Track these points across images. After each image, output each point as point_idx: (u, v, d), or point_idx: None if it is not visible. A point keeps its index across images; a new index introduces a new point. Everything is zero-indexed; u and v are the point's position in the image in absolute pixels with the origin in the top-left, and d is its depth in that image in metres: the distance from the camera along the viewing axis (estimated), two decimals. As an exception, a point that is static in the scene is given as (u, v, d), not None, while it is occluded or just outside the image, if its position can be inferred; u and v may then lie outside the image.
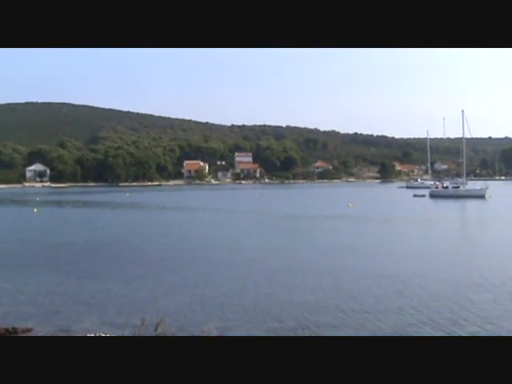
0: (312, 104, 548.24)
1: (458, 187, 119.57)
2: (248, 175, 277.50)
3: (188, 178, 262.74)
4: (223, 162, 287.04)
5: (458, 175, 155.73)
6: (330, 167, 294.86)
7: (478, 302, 21.98)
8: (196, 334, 16.21)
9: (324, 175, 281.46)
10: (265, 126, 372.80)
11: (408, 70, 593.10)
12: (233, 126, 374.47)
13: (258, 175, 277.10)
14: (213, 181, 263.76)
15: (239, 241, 43.82)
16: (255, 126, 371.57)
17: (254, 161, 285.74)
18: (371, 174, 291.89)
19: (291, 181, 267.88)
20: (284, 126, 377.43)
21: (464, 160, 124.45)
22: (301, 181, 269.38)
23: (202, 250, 38.62)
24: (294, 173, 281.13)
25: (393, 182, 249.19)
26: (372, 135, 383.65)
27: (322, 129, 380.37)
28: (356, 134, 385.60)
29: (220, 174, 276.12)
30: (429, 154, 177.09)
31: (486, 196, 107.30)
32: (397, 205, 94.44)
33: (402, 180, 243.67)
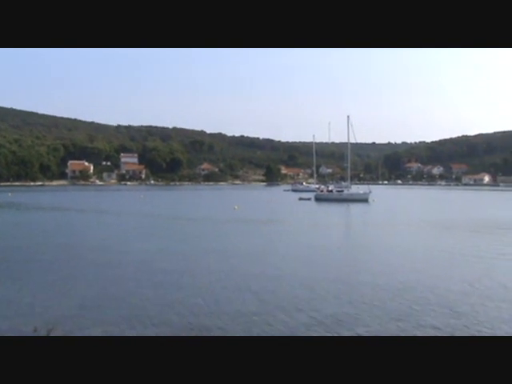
0: (198, 105, 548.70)
1: (342, 191, 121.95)
2: (133, 176, 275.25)
3: (72, 178, 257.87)
4: (108, 163, 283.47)
5: (343, 179, 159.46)
6: (216, 169, 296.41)
7: (339, 304, 22.45)
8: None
9: (210, 177, 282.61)
10: (151, 126, 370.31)
11: (295, 73, 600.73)
12: (119, 126, 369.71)
13: (143, 176, 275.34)
14: (97, 181, 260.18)
15: (124, 243, 43.25)
16: (142, 126, 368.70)
17: (140, 162, 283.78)
18: (257, 177, 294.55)
19: (177, 183, 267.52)
20: (170, 127, 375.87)
21: (348, 164, 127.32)
22: (186, 183, 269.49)
23: (85, 251, 37.77)
24: (179, 175, 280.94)
25: (278, 185, 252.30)
26: (258, 138, 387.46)
27: (208, 131, 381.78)
28: (242, 136, 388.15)
29: (105, 174, 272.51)
30: (314, 158, 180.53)
31: (369, 200, 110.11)
32: (282, 208, 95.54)
33: (287, 183, 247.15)
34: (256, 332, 18.22)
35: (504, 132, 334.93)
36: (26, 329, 16.73)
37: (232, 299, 23.36)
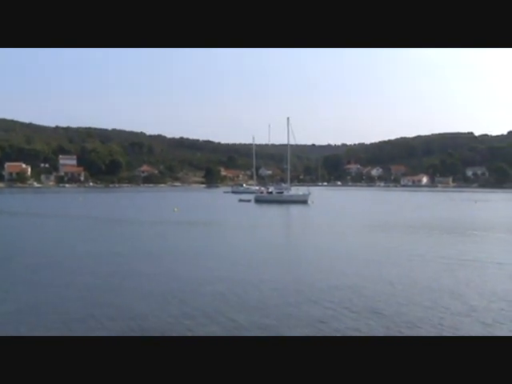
0: (138, 107, 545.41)
1: (282, 193, 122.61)
2: (72, 178, 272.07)
3: (9, 180, 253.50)
4: (47, 165, 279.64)
5: (283, 181, 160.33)
6: (156, 171, 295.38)
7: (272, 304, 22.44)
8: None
9: (149, 179, 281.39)
10: (90, 128, 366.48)
11: (233, 74, 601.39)
12: (57, 127, 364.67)
13: (82, 179, 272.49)
14: (35, 184, 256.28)
15: (60, 246, 42.61)
16: (80, 128, 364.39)
17: (79, 164, 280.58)
18: (197, 179, 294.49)
19: (116, 185, 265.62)
20: (110, 128, 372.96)
21: (288, 166, 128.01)
22: (126, 185, 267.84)
23: (23, 256, 37.06)
24: (119, 177, 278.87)
25: (218, 186, 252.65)
26: (198, 140, 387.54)
27: (148, 132, 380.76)
28: (182, 138, 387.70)
29: (43, 176, 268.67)
30: (254, 160, 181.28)
31: (309, 201, 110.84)
32: (222, 209, 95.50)
33: (227, 185, 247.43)
34: (176, 333, 18.07)
35: (441, 134, 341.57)
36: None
37: (164, 302, 23.13)
